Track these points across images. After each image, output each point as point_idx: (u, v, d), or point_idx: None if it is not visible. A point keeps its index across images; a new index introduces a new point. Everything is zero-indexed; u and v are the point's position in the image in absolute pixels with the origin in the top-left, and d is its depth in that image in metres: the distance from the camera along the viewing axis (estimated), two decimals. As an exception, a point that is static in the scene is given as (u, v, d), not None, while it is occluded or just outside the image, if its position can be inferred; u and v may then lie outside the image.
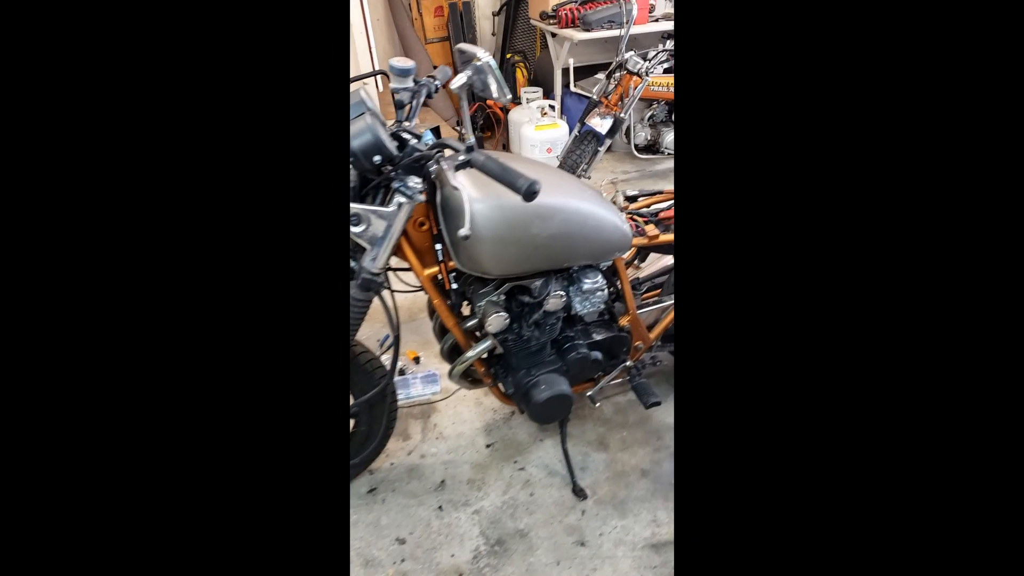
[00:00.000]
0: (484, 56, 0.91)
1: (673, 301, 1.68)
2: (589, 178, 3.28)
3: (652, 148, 3.37)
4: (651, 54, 2.99)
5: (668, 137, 3.24)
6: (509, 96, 0.97)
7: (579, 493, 1.61)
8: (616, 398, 1.93)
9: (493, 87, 0.92)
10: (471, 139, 1.00)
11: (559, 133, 3.49)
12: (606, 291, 1.44)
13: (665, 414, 1.87)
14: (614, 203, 1.60)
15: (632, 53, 2.93)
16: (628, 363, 1.65)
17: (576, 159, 3.11)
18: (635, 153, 3.35)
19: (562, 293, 1.36)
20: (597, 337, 1.54)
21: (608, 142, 3.12)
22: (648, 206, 1.69)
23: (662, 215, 1.61)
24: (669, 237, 1.54)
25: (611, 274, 1.52)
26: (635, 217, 1.59)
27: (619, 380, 1.68)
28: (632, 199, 1.67)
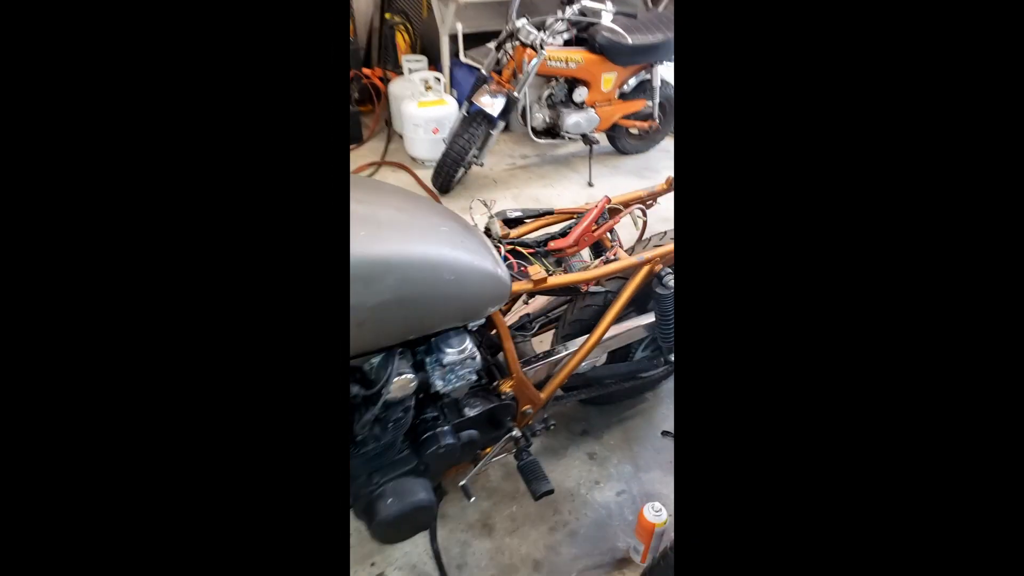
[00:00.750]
0: None
1: (570, 351, 1.32)
2: (481, 165, 2.86)
3: (551, 132, 2.99)
4: (547, 22, 2.59)
5: (569, 119, 2.87)
6: None
7: (454, 605, 1.24)
8: (506, 457, 1.57)
9: None
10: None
11: (446, 111, 3.02)
12: (479, 356, 1.05)
13: (563, 477, 1.53)
14: (488, 232, 1.20)
15: (525, 21, 2.51)
16: (515, 433, 1.28)
17: (465, 143, 2.68)
18: (532, 137, 2.95)
19: (411, 375, 0.95)
20: (471, 413, 1.15)
21: (501, 124, 2.70)
22: (535, 230, 1.30)
23: (553, 245, 1.23)
24: (565, 278, 1.17)
25: (487, 328, 1.13)
26: (518, 248, 1.20)
27: (503, 455, 1.31)
28: (514, 223, 1.27)
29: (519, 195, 2.96)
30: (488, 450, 1.27)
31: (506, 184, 3.07)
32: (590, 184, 3.04)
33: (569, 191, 3.01)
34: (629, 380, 1.54)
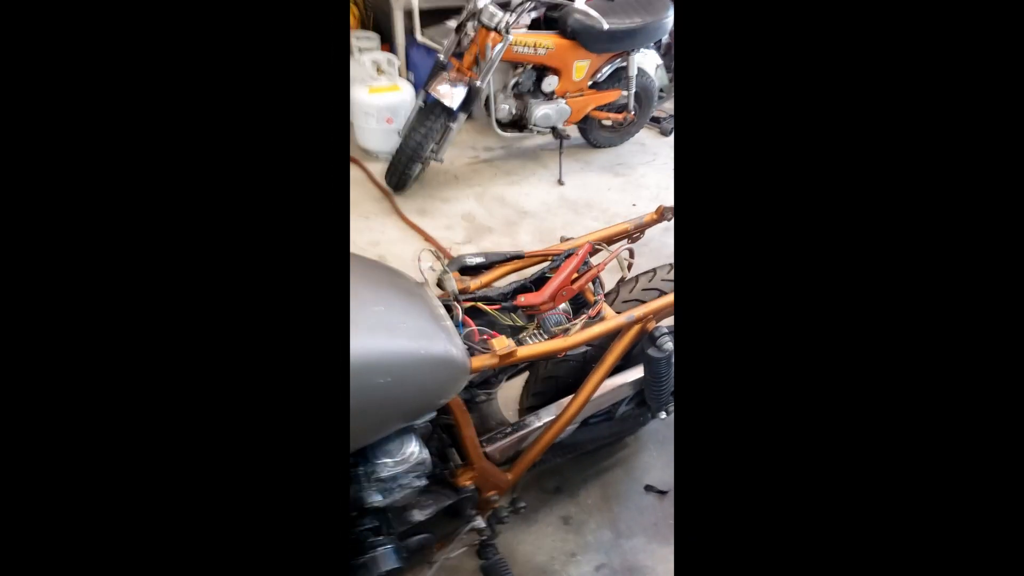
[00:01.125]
0: None
1: (543, 422, 1.10)
2: (441, 161, 2.57)
3: (518, 124, 2.72)
4: (514, 3, 2.30)
5: (537, 111, 2.60)
6: None
7: None
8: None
9: None
10: None
11: (401, 98, 2.71)
12: (428, 459, 0.82)
13: (535, 550, 1.33)
14: (441, 288, 0.94)
15: (488, 1, 2.21)
16: (477, 523, 1.06)
17: (422, 137, 2.39)
18: (496, 130, 2.68)
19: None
20: (421, 516, 0.92)
21: (462, 116, 2.42)
22: (500, 278, 1.05)
23: (524, 300, 0.99)
24: (538, 348, 0.93)
25: (441, 414, 0.89)
26: (480, 305, 0.95)
27: (463, 548, 1.09)
28: (473, 270, 1.02)
29: (483, 194, 2.70)
30: (444, 546, 1.05)
31: (468, 181, 2.79)
32: (560, 182, 2.80)
33: (538, 189, 2.76)
34: (610, 438, 1.33)
